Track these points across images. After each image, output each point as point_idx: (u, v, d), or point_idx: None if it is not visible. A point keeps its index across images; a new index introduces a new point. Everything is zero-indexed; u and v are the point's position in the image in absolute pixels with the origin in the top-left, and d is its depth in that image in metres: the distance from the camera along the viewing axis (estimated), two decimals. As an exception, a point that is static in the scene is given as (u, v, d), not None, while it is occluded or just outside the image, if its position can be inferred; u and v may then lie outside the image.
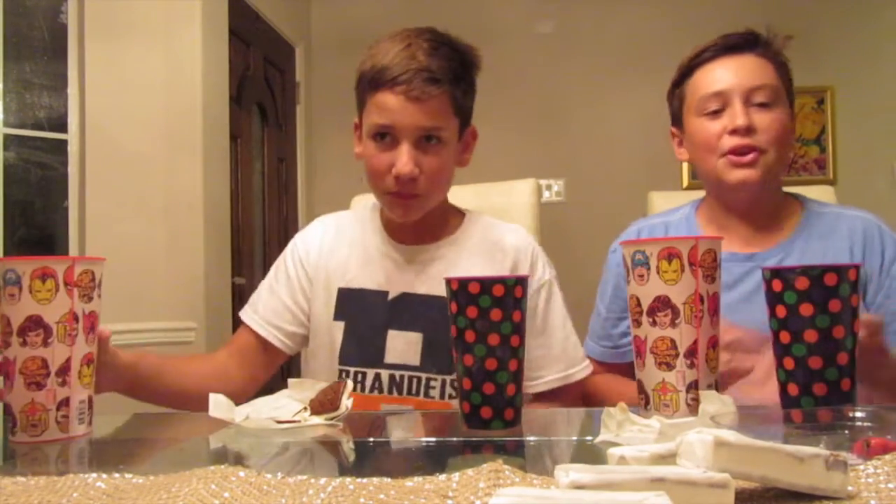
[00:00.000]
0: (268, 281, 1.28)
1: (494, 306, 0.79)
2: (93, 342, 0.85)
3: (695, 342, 0.81)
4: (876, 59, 3.82)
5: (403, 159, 1.11)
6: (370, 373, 1.18)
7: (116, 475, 0.61)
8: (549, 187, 3.88)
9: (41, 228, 2.63)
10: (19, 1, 2.52)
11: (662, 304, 0.82)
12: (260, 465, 0.71)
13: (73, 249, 2.53)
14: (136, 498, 0.55)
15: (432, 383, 1.17)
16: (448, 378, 1.16)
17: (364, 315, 1.20)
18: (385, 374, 1.18)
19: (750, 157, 1.17)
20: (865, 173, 3.76)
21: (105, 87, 2.57)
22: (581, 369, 1.21)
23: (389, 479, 0.58)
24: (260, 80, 3.48)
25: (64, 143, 2.56)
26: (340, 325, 1.21)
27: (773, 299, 0.83)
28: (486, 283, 0.80)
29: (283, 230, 3.67)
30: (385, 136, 1.14)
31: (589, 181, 3.85)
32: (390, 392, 1.18)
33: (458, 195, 1.63)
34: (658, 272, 0.82)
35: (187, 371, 1.18)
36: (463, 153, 1.23)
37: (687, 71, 1.25)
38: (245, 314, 1.26)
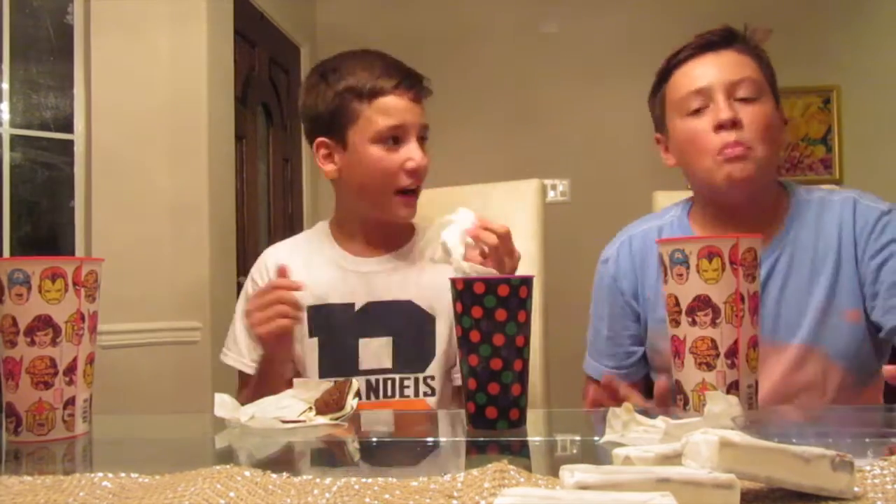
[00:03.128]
0: (239, 323, 1.30)
1: (499, 306, 0.79)
2: (94, 341, 0.86)
3: (735, 342, 0.81)
4: (882, 58, 3.80)
5: (419, 154, 1.22)
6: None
7: (122, 475, 0.61)
8: (553, 187, 3.88)
9: (47, 228, 2.64)
10: (26, 1, 2.53)
11: (703, 303, 0.81)
12: (265, 465, 0.71)
13: (79, 249, 2.54)
14: (141, 497, 0.55)
15: (406, 383, 1.22)
16: (420, 376, 1.22)
17: (335, 328, 1.25)
18: (362, 380, 1.22)
19: (739, 150, 1.12)
20: (871, 173, 3.74)
21: (111, 87, 2.58)
22: None
23: (394, 479, 0.58)
24: (265, 81, 3.49)
25: (70, 143, 2.57)
26: (315, 342, 1.26)
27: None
28: (490, 284, 0.80)
29: (288, 230, 3.68)
30: (391, 139, 1.22)
31: (594, 181, 3.84)
32: (368, 397, 1.22)
33: (460, 196, 1.63)
34: (698, 271, 0.81)
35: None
36: None
37: (665, 74, 1.22)
38: (232, 360, 1.30)
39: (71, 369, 0.82)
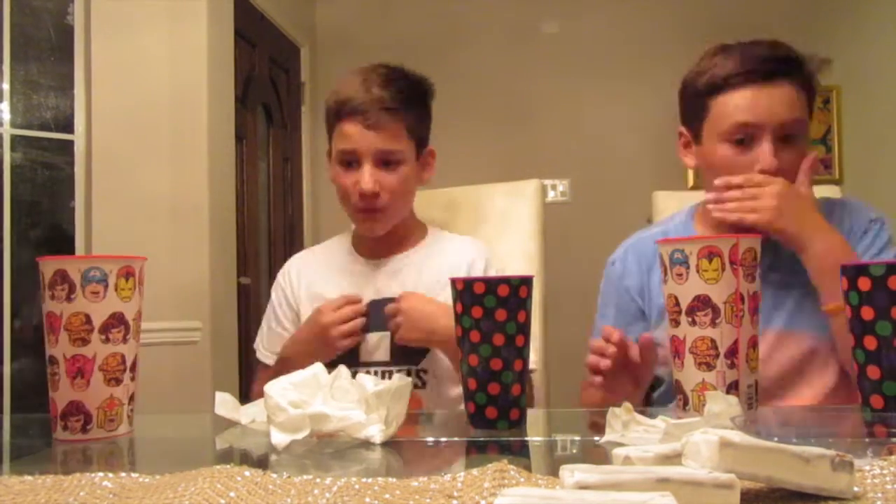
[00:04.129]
0: (266, 321, 1.45)
1: (499, 306, 0.79)
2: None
3: (735, 342, 0.81)
4: (882, 58, 3.80)
5: (365, 178, 1.27)
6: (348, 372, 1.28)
7: (123, 474, 0.61)
8: (553, 187, 3.88)
9: (47, 228, 2.64)
10: (26, 2, 2.53)
11: (702, 303, 0.81)
12: (265, 465, 0.71)
13: (80, 249, 2.54)
14: (142, 497, 0.55)
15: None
16: (413, 368, 1.29)
17: None
18: (362, 371, 1.23)
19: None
20: (871, 172, 3.74)
21: (111, 87, 2.58)
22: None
23: (394, 479, 0.58)
24: (265, 81, 3.49)
25: (70, 143, 2.57)
26: None
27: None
28: (490, 284, 0.80)
29: (288, 230, 3.68)
30: (350, 161, 1.30)
31: (594, 181, 3.84)
32: None
33: (461, 196, 1.63)
34: (698, 271, 0.81)
35: None
36: (422, 172, 1.38)
37: (715, 87, 1.18)
38: (260, 354, 1.43)
39: (133, 366, 0.85)
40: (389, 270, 1.36)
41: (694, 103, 1.22)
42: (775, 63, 1.16)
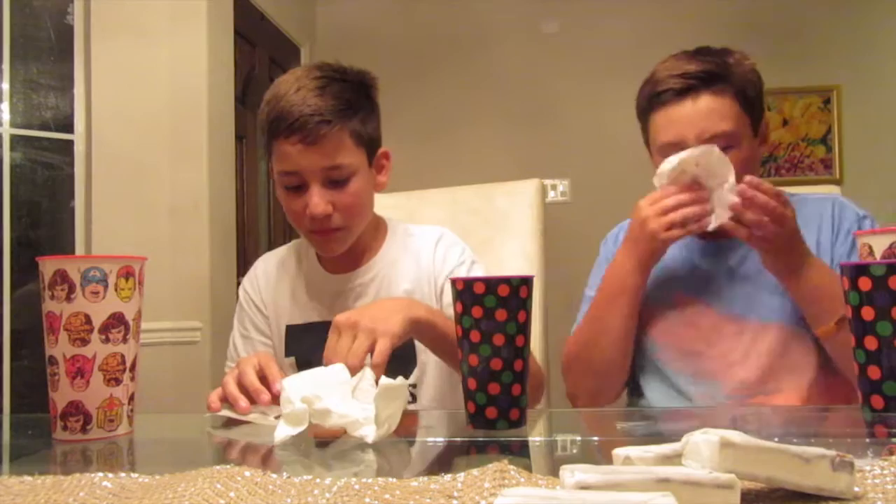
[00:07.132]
0: (237, 332, 1.33)
1: (499, 306, 0.79)
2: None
3: None
4: (882, 58, 3.80)
5: (314, 200, 1.15)
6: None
7: (122, 475, 0.61)
8: (553, 187, 3.88)
9: (47, 228, 2.64)
10: (26, 2, 2.53)
11: None
12: (265, 465, 0.71)
13: (80, 250, 2.54)
14: (141, 497, 0.55)
15: None
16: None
17: (314, 347, 1.20)
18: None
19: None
20: (872, 173, 3.74)
21: (111, 87, 2.58)
22: None
23: (394, 480, 0.58)
24: (265, 81, 3.49)
25: (70, 143, 2.57)
26: (291, 360, 1.26)
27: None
28: (490, 284, 0.80)
29: (288, 230, 3.68)
30: (295, 185, 1.17)
31: (594, 181, 3.84)
32: None
33: (462, 196, 1.63)
34: None
35: None
36: (378, 176, 1.26)
37: (648, 106, 1.24)
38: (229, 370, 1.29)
39: (133, 366, 0.85)
40: (355, 287, 1.27)
41: (641, 125, 1.29)
42: (692, 77, 1.18)
